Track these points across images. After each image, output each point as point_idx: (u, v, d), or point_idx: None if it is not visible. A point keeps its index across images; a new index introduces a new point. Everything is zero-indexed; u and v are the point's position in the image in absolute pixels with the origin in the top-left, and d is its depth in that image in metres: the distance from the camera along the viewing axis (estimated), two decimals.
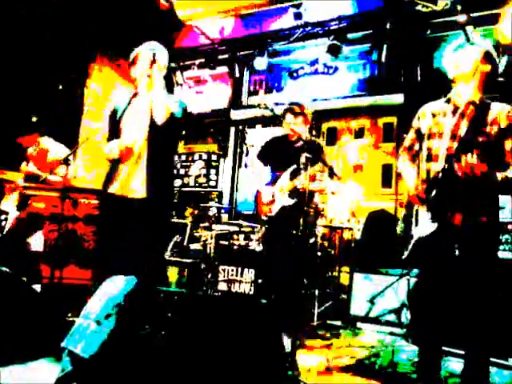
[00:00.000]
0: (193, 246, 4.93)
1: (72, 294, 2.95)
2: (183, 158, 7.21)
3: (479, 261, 2.01)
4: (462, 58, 2.14)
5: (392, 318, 3.42)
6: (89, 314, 1.88)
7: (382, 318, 3.46)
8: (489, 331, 2.00)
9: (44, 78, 5.83)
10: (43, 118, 4.21)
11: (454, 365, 2.63)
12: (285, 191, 3.37)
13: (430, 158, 2.12)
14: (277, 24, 6.34)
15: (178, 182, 7.04)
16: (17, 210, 3.92)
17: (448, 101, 2.16)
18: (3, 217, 4.53)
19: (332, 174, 3.32)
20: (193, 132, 7.31)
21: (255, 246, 4.19)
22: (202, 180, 7.00)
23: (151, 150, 2.33)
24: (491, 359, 2.13)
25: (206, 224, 4.75)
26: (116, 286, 1.95)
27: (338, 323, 3.65)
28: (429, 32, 5.30)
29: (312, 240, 3.96)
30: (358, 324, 3.57)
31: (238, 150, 6.93)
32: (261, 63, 6.16)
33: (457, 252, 2.12)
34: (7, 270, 2.18)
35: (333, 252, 4.62)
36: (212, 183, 6.96)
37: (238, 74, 6.81)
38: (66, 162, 3.88)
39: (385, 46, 5.44)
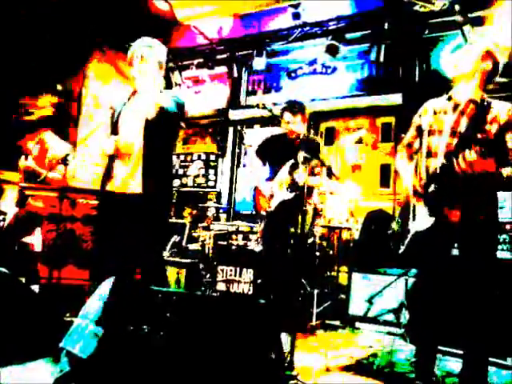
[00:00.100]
0: (191, 246, 4.93)
1: (70, 294, 2.95)
2: (182, 158, 7.20)
3: (478, 260, 2.01)
4: (462, 58, 2.15)
5: (390, 317, 3.43)
6: (87, 314, 1.88)
7: (381, 318, 3.46)
8: (487, 331, 2.00)
9: (43, 78, 5.82)
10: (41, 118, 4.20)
11: (453, 364, 2.63)
12: (284, 185, 3.38)
13: (430, 154, 2.13)
14: (275, 24, 6.34)
15: (176, 182, 7.04)
16: (16, 206, 3.91)
17: (449, 98, 2.17)
18: (1, 217, 4.52)
19: (330, 173, 3.33)
20: (191, 132, 7.31)
21: (254, 245, 4.19)
22: (200, 180, 7.00)
23: (147, 146, 2.33)
24: (489, 359, 2.13)
25: (205, 224, 4.75)
26: (106, 286, 1.94)
27: (337, 323, 3.65)
28: (427, 32, 5.30)
29: (311, 240, 3.97)
30: (357, 324, 3.57)
31: (237, 150, 6.93)
32: (259, 63, 6.16)
33: (455, 251, 2.13)
34: (5, 270, 2.17)
35: (331, 252, 4.62)
36: (210, 183, 6.96)
37: (236, 74, 6.81)
38: (64, 161, 3.87)
39: (383, 46, 5.44)
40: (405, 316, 3.34)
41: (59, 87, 6.12)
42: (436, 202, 2.04)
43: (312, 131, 5.51)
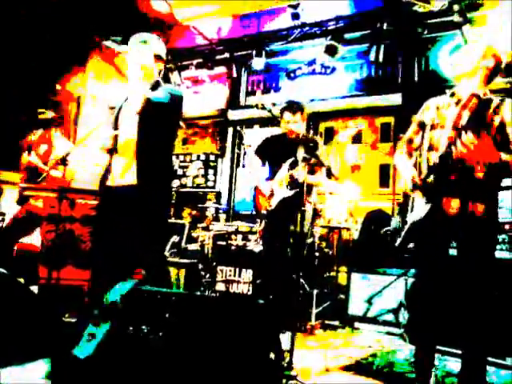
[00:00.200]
0: (191, 247, 4.93)
1: (69, 295, 2.95)
2: (181, 158, 7.20)
3: (477, 260, 2.01)
4: (464, 57, 2.16)
5: (390, 317, 3.43)
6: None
7: (380, 318, 3.46)
8: (486, 331, 2.00)
9: (43, 78, 5.82)
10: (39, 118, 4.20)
11: (452, 364, 2.63)
12: (284, 183, 3.38)
13: (431, 148, 2.13)
14: (274, 24, 6.34)
15: (176, 183, 7.04)
16: (17, 204, 3.91)
17: (452, 94, 2.19)
18: (0, 217, 4.52)
19: (330, 173, 3.34)
20: (191, 132, 7.30)
21: (253, 246, 4.19)
22: (199, 180, 7.00)
23: (140, 140, 2.33)
24: (488, 359, 2.13)
25: (204, 224, 4.75)
26: (114, 287, 1.95)
27: (336, 323, 3.65)
28: (426, 32, 5.31)
29: (310, 240, 3.96)
30: (356, 324, 3.57)
31: (236, 151, 6.92)
32: (258, 63, 6.16)
33: (454, 251, 2.13)
34: (3, 270, 2.17)
35: (331, 252, 4.62)
36: (210, 184, 6.96)
37: (235, 75, 6.80)
38: (63, 161, 3.86)
39: (382, 46, 5.44)
40: (404, 316, 3.34)
41: (58, 87, 6.12)
42: (434, 191, 2.05)
43: (312, 131, 5.52)
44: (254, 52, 6.19)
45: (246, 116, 6.68)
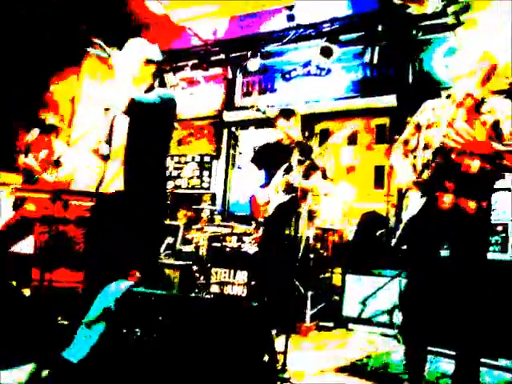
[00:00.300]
0: (185, 248, 4.91)
1: (62, 297, 2.92)
2: (176, 159, 7.18)
3: (469, 261, 2.02)
4: (461, 60, 2.18)
5: (384, 319, 3.43)
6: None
7: (374, 319, 3.47)
8: (479, 332, 2.01)
9: (41, 78, 5.79)
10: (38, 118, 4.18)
11: (446, 365, 2.64)
12: (279, 189, 3.41)
13: (426, 146, 2.16)
14: (270, 25, 6.35)
15: (170, 184, 7.02)
16: (12, 209, 3.89)
17: (448, 96, 2.22)
18: None
19: (324, 175, 3.35)
20: (185, 134, 7.29)
21: (248, 247, 4.18)
22: (194, 182, 6.99)
23: (129, 143, 2.33)
24: (481, 360, 2.14)
25: (199, 226, 4.74)
26: (107, 290, 1.94)
27: (331, 324, 3.65)
28: (420, 34, 5.34)
29: (304, 242, 3.96)
30: (351, 325, 3.57)
31: (231, 152, 6.92)
32: (254, 65, 6.16)
33: (446, 252, 2.13)
34: None
35: (325, 253, 4.62)
36: (205, 185, 6.94)
37: (231, 76, 6.80)
38: (56, 163, 3.85)
39: (377, 48, 5.47)
40: (398, 317, 3.35)
41: (53, 87, 6.09)
42: (429, 186, 2.06)
43: (306, 134, 5.53)
44: (250, 53, 6.19)
45: (241, 117, 6.68)
